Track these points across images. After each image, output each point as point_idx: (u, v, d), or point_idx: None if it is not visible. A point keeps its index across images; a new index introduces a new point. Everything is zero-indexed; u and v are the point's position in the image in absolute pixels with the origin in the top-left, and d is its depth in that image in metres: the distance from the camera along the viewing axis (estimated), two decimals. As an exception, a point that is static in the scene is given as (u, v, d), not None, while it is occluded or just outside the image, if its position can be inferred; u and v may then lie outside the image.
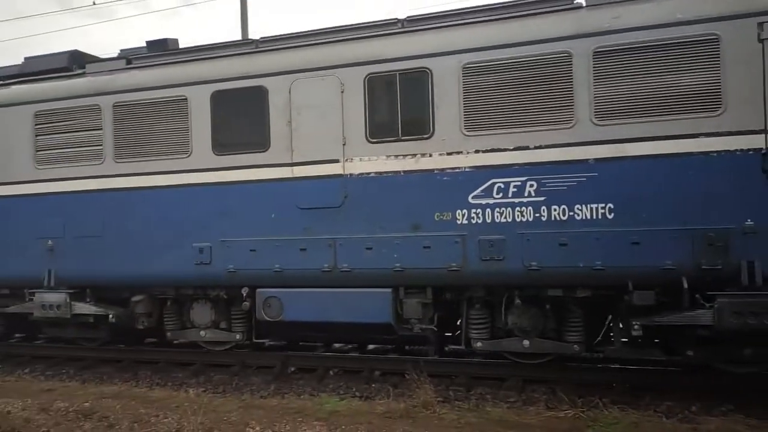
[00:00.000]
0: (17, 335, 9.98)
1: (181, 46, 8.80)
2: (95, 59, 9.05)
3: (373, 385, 7.31)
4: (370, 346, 8.68)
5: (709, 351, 6.26)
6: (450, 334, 7.81)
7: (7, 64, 9.57)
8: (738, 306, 5.73)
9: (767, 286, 5.75)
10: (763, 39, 5.75)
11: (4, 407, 6.51)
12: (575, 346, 6.71)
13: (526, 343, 6.86)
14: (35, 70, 9.06)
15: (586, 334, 6.73)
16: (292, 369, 8.04)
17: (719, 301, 5.78)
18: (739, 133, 5.82)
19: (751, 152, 5.79)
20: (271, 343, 8.89)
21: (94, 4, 26.85)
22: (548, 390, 6.77)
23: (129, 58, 8.60)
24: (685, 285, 5.90)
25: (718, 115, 5.87)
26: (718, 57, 5.86)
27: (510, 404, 6.47)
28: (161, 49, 8.54)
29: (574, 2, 6.69)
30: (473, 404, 6.45)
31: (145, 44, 8.80)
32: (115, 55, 8.90)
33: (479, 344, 7.01)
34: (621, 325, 6.62)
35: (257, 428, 5.62)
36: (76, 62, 8.95)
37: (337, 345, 8.82)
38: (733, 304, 5.74)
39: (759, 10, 5.79)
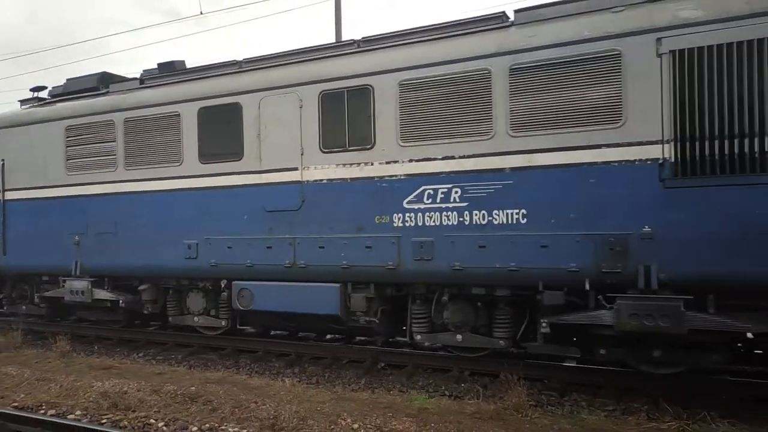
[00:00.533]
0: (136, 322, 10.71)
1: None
2: (120, 79, 10.44)
3: (463, 385, 7.27)
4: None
5: (621, 351, 6.59)
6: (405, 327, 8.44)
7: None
8: (635, 308, 6.06)
9: (664, 289, 6.03)
10: (661, 54, 6.02)
11: (121, 387, 6.97)
12: (501, 341, 7.20)
13: (459, 337, 7.43)
14: (71, 89, 10.61)
15: (513, 330, 7.20)
16: (382, 364, 8.18)
17: (618, 302, 6.14)
18: (639, 144, 6.13)
19: (649, 162, 6.08)
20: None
21: (201, 13, 29.17)
22: (649, 399, 6.45)
23: (143, 79, 9.90)
24: (587, 286, 6.29)
25: (619, 127, 6.20)
26: (620, 72, 6.19)
27: (608, 413, 6.20)
28: (168, 71, 9.76)
29: (508, 20, 7.17)
30: (567, 410, 6.31)
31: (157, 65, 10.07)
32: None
33: (419, 337, 7.65)
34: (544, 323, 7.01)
35: (348, 420, 5.68)
36: (104, 83, 10.38)
37: (426, 344, 8.53)
38: (630, 306, 6.08)
39: (657, 26, 6.06)
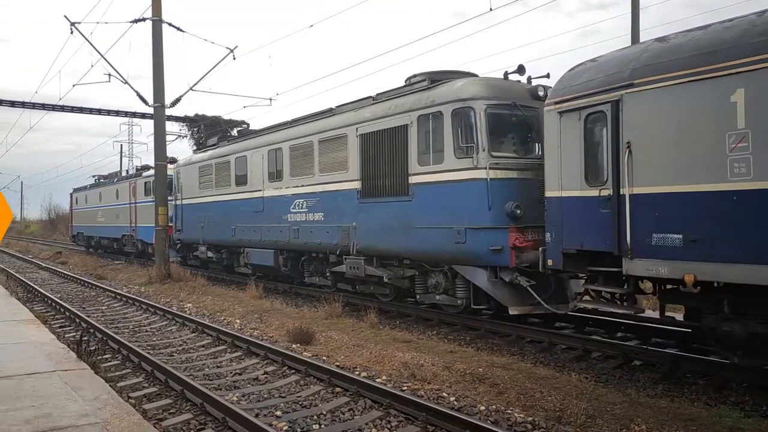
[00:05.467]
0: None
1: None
2: (229, 138, 19.16)
3: None
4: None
5: (365, 286, 12.58)
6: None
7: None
8: (350, 263, 12.19)
9: (360, 254, 11.98)
10: (357, 135, 11.94)
11: (418, 360, 7.47)
12: (328, 280, 13.67)
13: (315, 279, 14.10)
14: (207, 144, 19.81)
15: (332, 275, 13.55)
16: (683, 372, 7.55)
17: (346, 260, 12.30)
18: (352, 181, 12.15)
19: (355, 189, 12.07)
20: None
21: (491, 10, 33.91)
22: None
23: (229, 138, 18.51)
24: (337, 252, 12.54)
25: (347, 171, 12.28)
26: (346, 145, 12.26)
27: None
28: (225, 140, 18.16)
29: (331, 113, 13.57)
30: None
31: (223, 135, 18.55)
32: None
33: (305, 278, 14.50)
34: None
35: (643, 427, 5.30)
36: (221, 140, 19.27)
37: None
38: (349, 262, 12.21)
39: (356, 121, 12.00)
